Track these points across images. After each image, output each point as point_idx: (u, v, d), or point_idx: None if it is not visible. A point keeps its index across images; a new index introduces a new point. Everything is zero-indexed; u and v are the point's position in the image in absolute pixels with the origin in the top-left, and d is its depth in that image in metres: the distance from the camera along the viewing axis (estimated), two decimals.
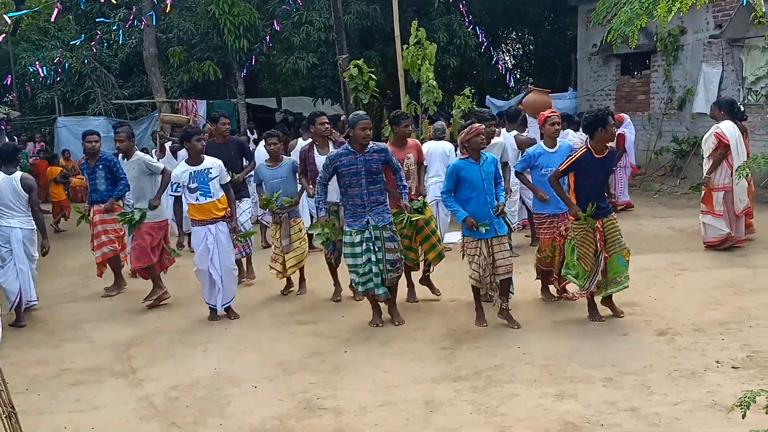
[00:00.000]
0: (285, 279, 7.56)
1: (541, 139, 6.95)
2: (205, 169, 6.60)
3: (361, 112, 6.38)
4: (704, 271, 7.51)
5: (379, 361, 5.54)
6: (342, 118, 11.12)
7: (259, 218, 9.90)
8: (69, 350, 6.26)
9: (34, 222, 7.11)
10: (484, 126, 6.22)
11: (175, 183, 6.67)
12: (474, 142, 5.93)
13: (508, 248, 6.12)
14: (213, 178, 6.62)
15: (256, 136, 16.29)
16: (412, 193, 6.75)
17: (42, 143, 18.92)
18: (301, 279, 7.66)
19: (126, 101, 17.83)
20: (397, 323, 6.30)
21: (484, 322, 6.13)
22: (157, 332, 6.62)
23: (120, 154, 7.74)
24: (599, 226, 5.91)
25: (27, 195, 7.00)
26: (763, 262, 7.69)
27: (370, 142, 6.14)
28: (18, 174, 7.05)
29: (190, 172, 6.58)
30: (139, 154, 7.58)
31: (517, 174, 7.00)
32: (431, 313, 6.59)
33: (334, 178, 6.22)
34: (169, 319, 7.02)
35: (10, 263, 6.97)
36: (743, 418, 2.85)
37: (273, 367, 5.50)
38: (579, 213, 5.85)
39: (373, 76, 10.69)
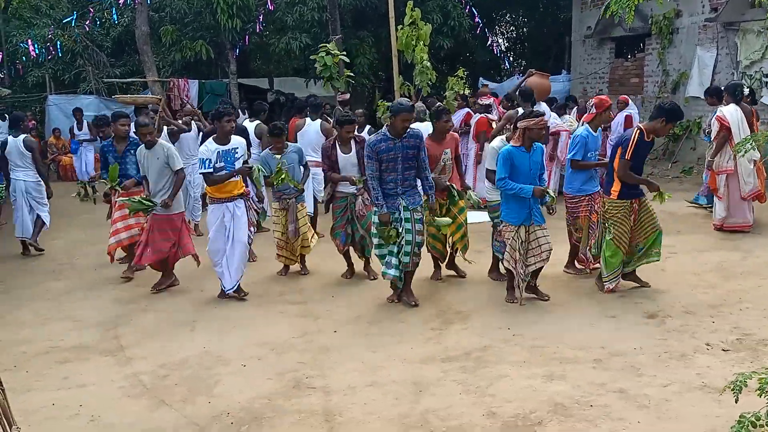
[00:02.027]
0: (295, 263, 7.55)
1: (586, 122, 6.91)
2: (232, 149, 6.62)
3: (405, 101, 6.25)
4: (694, 254, 7.52)
5: (367, 341, 5.53)
6: (326, 104, 11.30)
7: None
8: (56, 328, 6.22)
9: (37, 175, 8.85)
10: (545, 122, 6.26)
11: (206, 159, 6.57)
12: (536, 132, 5.97)
13: (547, 236, 6.11)
14: (239, 158, 6.66)
15: (247, 116, 16.17)
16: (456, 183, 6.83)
17: (33, 121, 18.72)
18: (303, 260, 7.66)
19: (117, 80, 17.60)
20: (413, 303, 6.29)
21: (515, 299, 6.17)
22: (145, 311, 6.59)
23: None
24: (636, 207, 6.15)
25: (29, 153, 8.73)
26: (752, 245, 7.70)
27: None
28: (21, 137, 8.77)
29: (219, 151, 6.56)
30: (166, 144, 7.18)
31: (575, 163, 6.73)
32: (420, 293, 6.57)
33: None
34: (156, 298, 6.98)
35: (19, 208, 8.85)
36: (736, 402, 2.85)
37: (262, 347, 5.49)
38: (660, 188, 6.14)
39: (344, 58, 10.50)
